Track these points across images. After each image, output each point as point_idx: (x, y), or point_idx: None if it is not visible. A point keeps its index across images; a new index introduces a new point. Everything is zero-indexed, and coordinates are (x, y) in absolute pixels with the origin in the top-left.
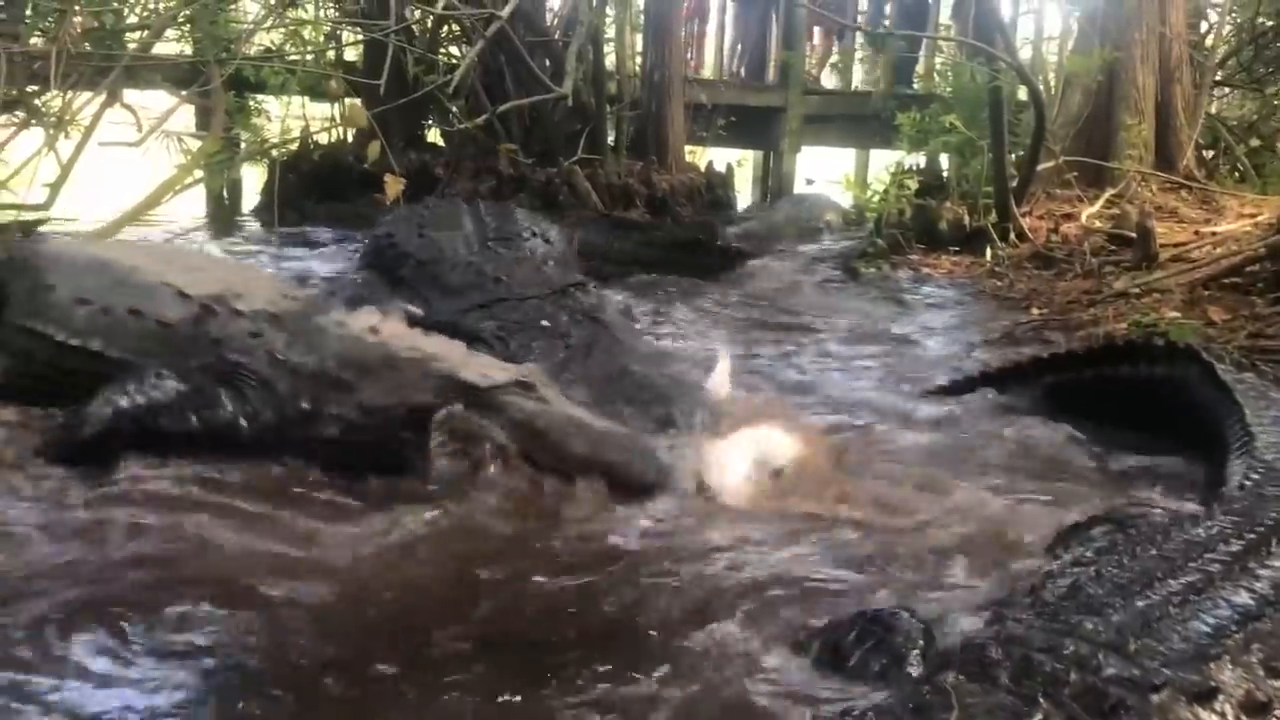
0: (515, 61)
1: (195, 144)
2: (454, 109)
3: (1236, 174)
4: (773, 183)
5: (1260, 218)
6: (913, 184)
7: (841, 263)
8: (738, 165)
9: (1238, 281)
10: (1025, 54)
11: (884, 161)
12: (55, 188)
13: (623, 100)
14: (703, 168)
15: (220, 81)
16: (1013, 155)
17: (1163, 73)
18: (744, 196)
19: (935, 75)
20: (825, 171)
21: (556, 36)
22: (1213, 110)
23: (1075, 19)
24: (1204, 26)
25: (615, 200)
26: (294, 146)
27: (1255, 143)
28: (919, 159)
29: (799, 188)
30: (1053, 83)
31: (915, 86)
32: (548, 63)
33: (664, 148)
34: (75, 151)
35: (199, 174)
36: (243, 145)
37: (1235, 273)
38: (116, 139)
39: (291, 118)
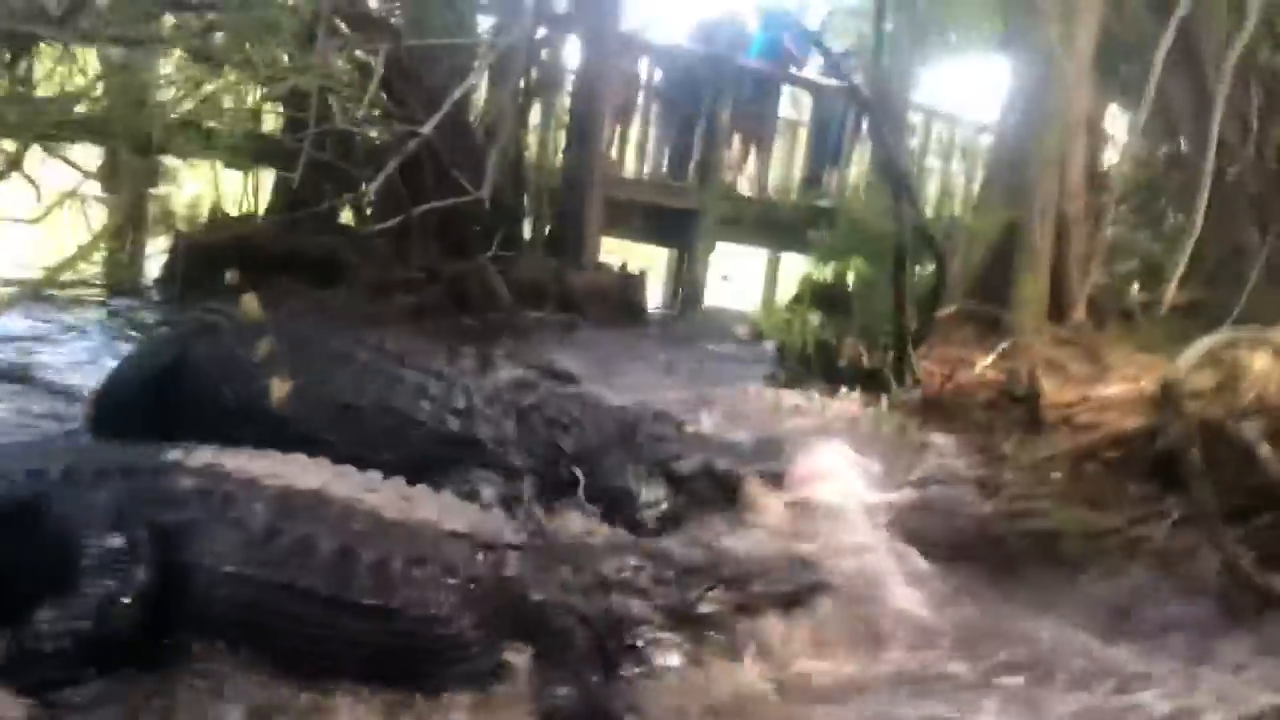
0: (434, 157)
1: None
2: (367, 206)
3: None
4: (686, 283)
5: (1142, 383)
6: (815, 319)
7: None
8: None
9: (1115, 456)
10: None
11: (796, 263)
12: None
13: (542, 198)
14: (617, 268)
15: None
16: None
17: (1060, 228)
18: (657, 293)
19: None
20: (740, 269)
21: (479, 135)
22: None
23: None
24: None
25: (526, 298)
26: (202, 218)
27: (1143, 297)
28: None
29: (713, 287)
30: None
31: (826, 200)
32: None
33: (580, 247)
34: None
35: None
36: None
37: (1114, 446)
38: (17, 205)
39: (201, 179)
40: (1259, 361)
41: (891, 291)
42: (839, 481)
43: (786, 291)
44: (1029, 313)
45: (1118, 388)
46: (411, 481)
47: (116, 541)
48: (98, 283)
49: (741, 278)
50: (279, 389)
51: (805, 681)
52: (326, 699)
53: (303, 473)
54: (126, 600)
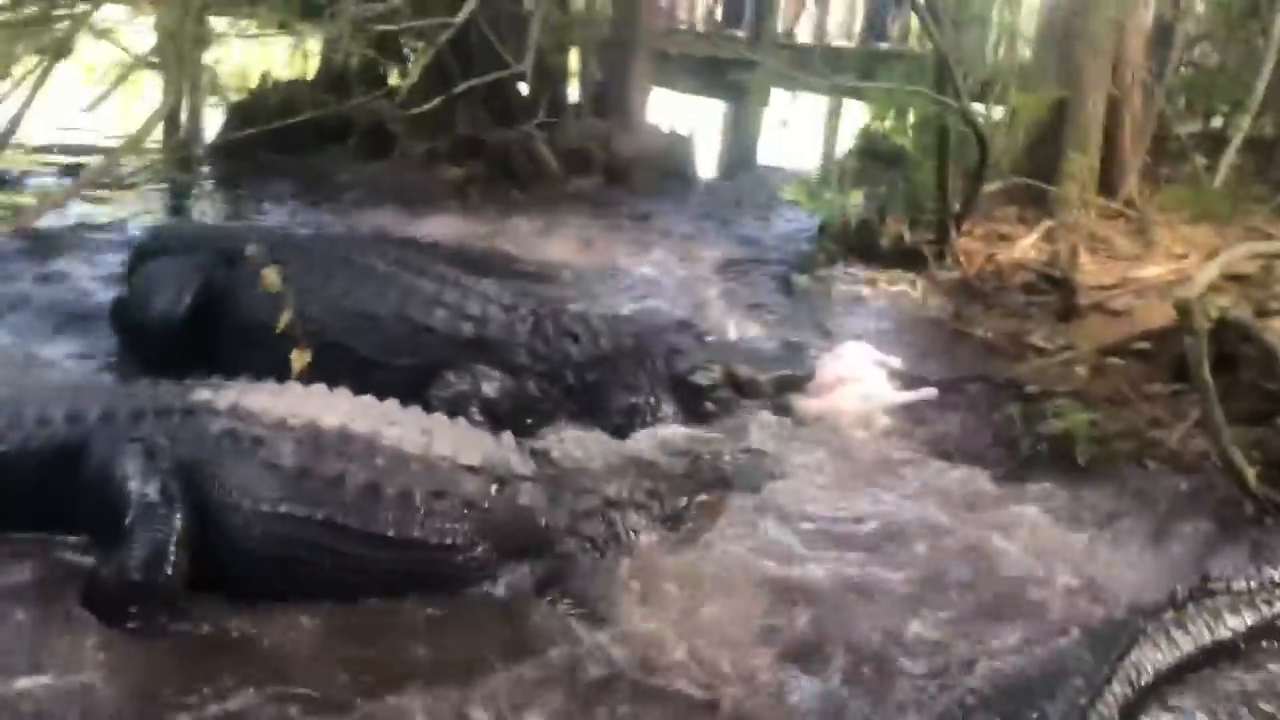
0: (478, 24)
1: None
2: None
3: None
4: (738, 138)
5: (1185, 262)
6: (857, 196)
7: (781, 274)
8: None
9: (1146, 348)
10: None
11: (857, 112)
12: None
13: (589, 58)
14: (666, 129)
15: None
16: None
17: (1114, 98)
18: (711, 149)
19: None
20: (800, 116)
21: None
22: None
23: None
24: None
25: (574, 166)
26: (251, 86)
27: (1202, 161)
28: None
29: (770, 138)
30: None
31: (888, 44)
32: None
33: (626, 108)
34: (23, 106)
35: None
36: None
37: (1143, 340)
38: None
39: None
40: None
41: (935, 175)
42: (861, 385)
43: (846, 141)
44: (1076, 189)
45: (1160, 269)
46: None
47: (154, 493)
48: (154, 159)
49: (801, 125)
50: (299, 360)
51: None
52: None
53: (327, 409)
54: (171, 551)
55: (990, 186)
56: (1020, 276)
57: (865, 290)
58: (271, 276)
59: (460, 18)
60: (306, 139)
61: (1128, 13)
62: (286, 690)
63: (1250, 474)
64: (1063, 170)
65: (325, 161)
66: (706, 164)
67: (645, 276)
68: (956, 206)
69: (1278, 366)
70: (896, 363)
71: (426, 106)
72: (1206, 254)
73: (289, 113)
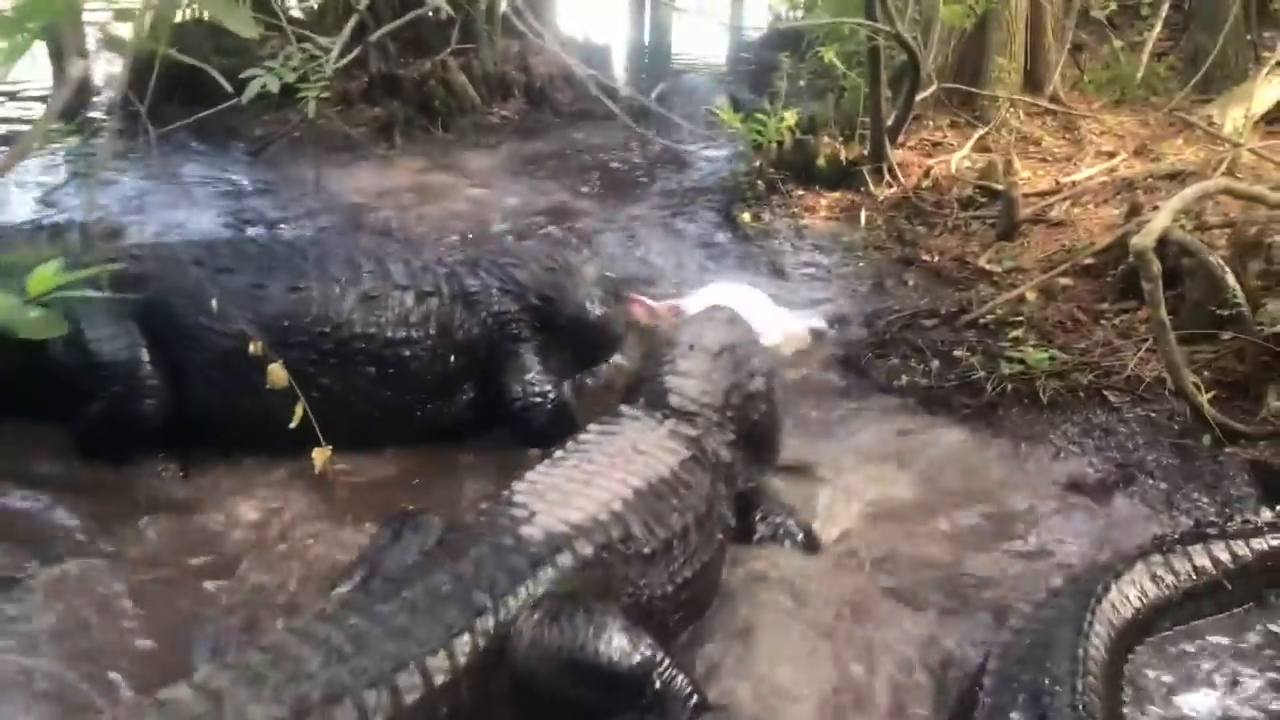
0: None
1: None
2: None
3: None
4: (652, 37)
5: (1116, 159)
6: (791, 118)
7: (721, 204)
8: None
9: (1091, 263)
10: None
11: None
12: None
13: None
14: (581, 42)
15: None
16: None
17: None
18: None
19: None
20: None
21: None
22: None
23: None
24: None
25: (493, 92)
26: (157, 42)
27: (1119, 44)
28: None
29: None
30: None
31: None
32: None
33: (540, 26)
34: None
35: None
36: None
37: (1089, 254)
38: None
39: None
40: None
41: (867, 90)
42: None
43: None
44: (1003, 92)
45: (1092, 169)
46: None
47: None
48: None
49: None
50: (277, 375)
51: None
52: None
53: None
54: None
55: (920, 95)
56: (957, 190)
57: (808, 219)
58: (279, 373)
59: None
60: (210, 88)
61: None
62: None
63: (1206, 407)
64: (989, 75)
65: (233, 113)
66: (623, 71)
67: (580, 224)
68: (890, 121)
69: (1221, 286)
70: (764, 297)
71: (347, 59)
72: (1134, 148)
73: (191, 68)
